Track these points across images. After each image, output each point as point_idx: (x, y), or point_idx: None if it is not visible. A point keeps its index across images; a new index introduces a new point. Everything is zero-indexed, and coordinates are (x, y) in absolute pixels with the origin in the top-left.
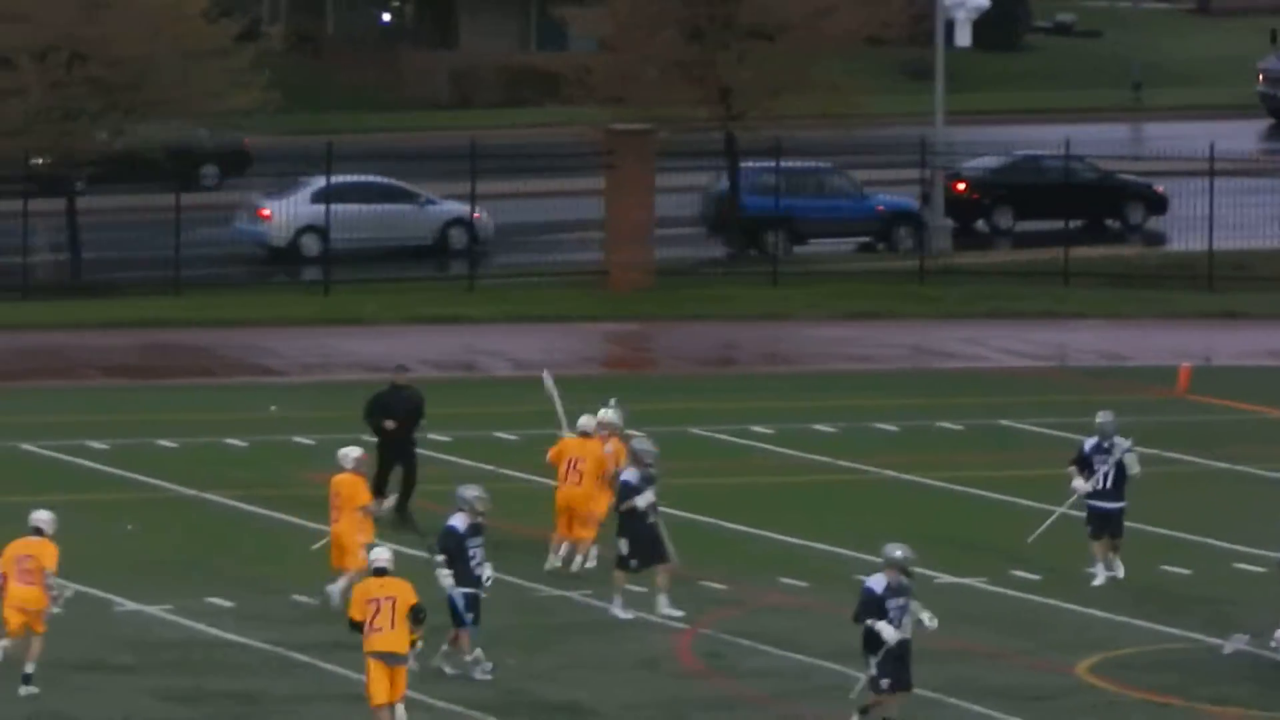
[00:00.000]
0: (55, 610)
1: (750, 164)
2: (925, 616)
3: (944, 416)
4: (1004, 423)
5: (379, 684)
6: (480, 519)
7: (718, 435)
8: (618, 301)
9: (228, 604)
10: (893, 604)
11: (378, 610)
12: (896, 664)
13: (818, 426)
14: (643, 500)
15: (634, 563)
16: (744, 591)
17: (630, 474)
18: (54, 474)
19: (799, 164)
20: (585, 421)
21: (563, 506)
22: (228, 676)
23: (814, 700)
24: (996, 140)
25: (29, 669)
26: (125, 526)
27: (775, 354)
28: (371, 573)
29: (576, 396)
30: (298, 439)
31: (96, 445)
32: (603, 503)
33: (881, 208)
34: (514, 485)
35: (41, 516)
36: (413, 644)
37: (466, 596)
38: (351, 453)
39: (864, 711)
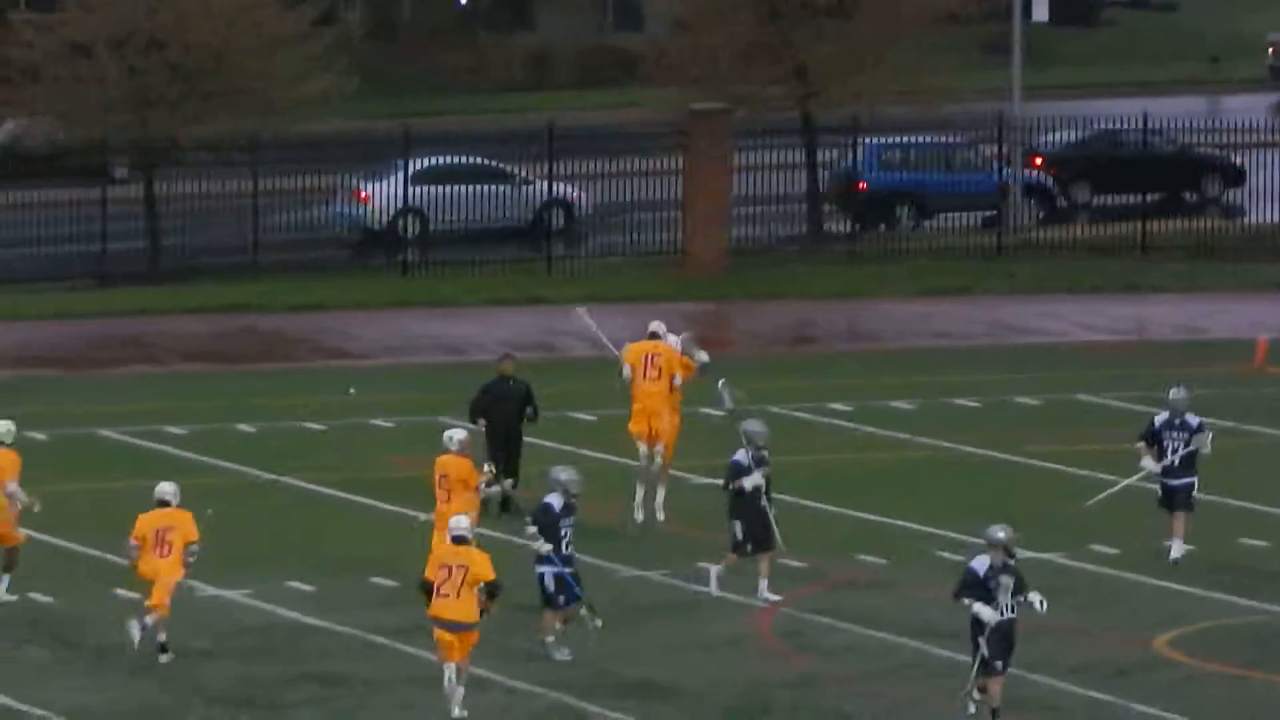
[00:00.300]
0: (189, 571)
1: (876, 140)
2: (1036, 599)
3: (1022, 392)
4: (1082, 397)
5: (445, 647)
6: (574, 501)
7: (796, 414)
8: (695, 282)
9: (308, 588)
10: (994, 584)
11: (448, 576)
12: (1004, 643)
13: (896, 403)
14: (749, 482)
15: (749, 546)
16: (825, 569)
17: (741, 455)
18: (132, 460)
19: (927, 138)
20: (657, 325)
21: (641, 409)
22: (309, 661)
23: (896, 679)
24: (1074, 115)
25: (147, 633)
26: (205, 512)
27: (853, 332)
28: (450, 540)
29: None
30: (376, 422)
31: (175, 430)
32: (675, 411)
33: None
34: (591, 465)
35: (166, 488)
36: (484, 612)
37: (557, 577)
38: (456, 434)
39: (982, 691)
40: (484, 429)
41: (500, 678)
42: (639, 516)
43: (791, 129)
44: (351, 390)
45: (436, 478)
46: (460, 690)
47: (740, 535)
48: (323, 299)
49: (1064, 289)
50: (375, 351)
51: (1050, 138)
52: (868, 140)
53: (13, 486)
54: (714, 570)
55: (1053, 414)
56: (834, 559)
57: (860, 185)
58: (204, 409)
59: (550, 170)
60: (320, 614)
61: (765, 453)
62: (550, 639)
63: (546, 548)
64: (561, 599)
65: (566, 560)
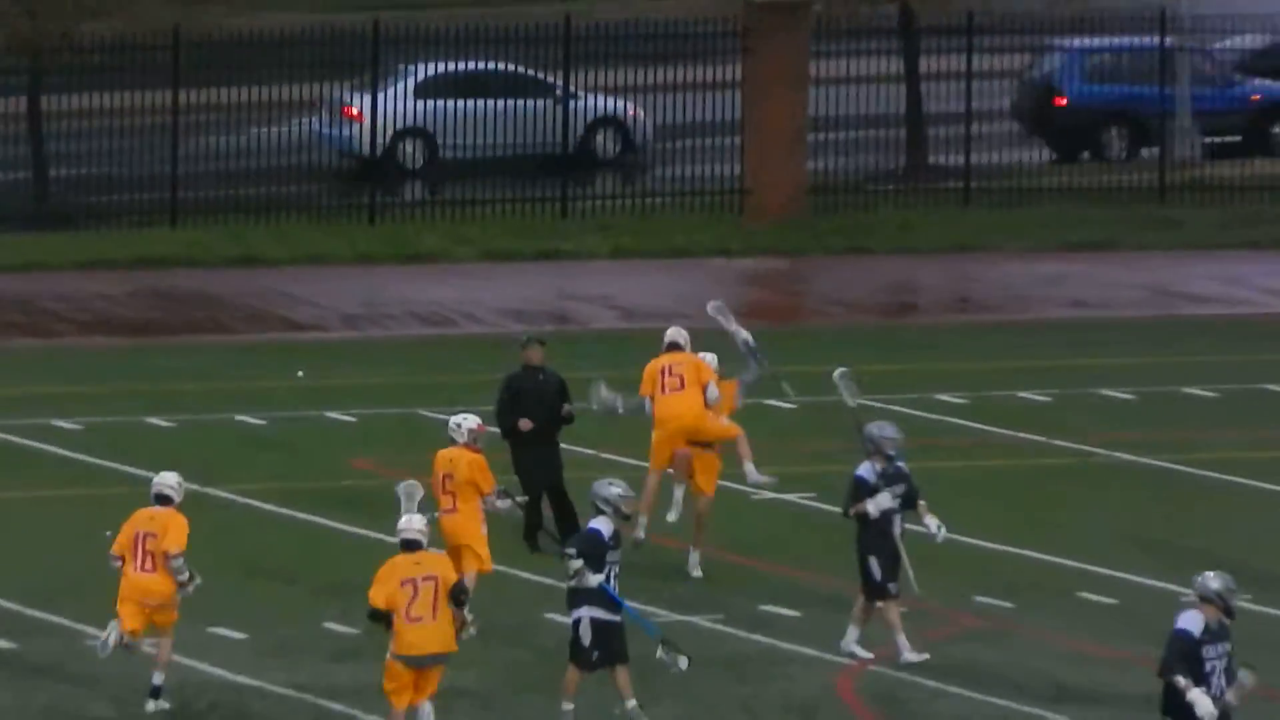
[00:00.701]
0: (187, 594)
1: (1075, 42)
2: (1246, 678)
3: (1193, 379)
4: (1273, 388)
5: (405, 688)
6: (625, 525)
7: (893, 406)
8: (759, 230)
9: (239, 635)
10: (1211, 653)
11: (414, 594)
12: None
13: (1024, 394)
14: (874, 506)
15: (893, 587)
16: (930, 614)
17: (865, 469)
18: (10, 464)
19: (1143, 41)
20: (674, 333)
21: (664, 436)
22: None
23: None
24: (1259, 13)
25: (158, 679)
26: (104, 534)
27: (968, 299)
28: (401, 546)
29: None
30: (333, 415)
31: (68, 426)
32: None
33: (1257, 96)
34: (620, 475)
35: (167, 480)
36: (459, 632)
37: (600, 626)
38: (466, 422)
39: None
40: (514, 435)
41: None
42: (671, 516)
43: (885, 29)
44: (300, 373)
45: (439, 477)
46: None
47: (879, 574)
48: (264, 252)
49: (1247, 243)
50: (334, 322)
51: (1229, 43)
52: (1064, 43)
53: None
54: (850, 634)
55: (1234, 409)
56: (941, 599)
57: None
58: (107, 397)
59: (565, 81)
60: (256, 671)
61: (901, 464)
62: (569, 706)
63: (595, 580)
64: (596, 654)
65: (614, 605)
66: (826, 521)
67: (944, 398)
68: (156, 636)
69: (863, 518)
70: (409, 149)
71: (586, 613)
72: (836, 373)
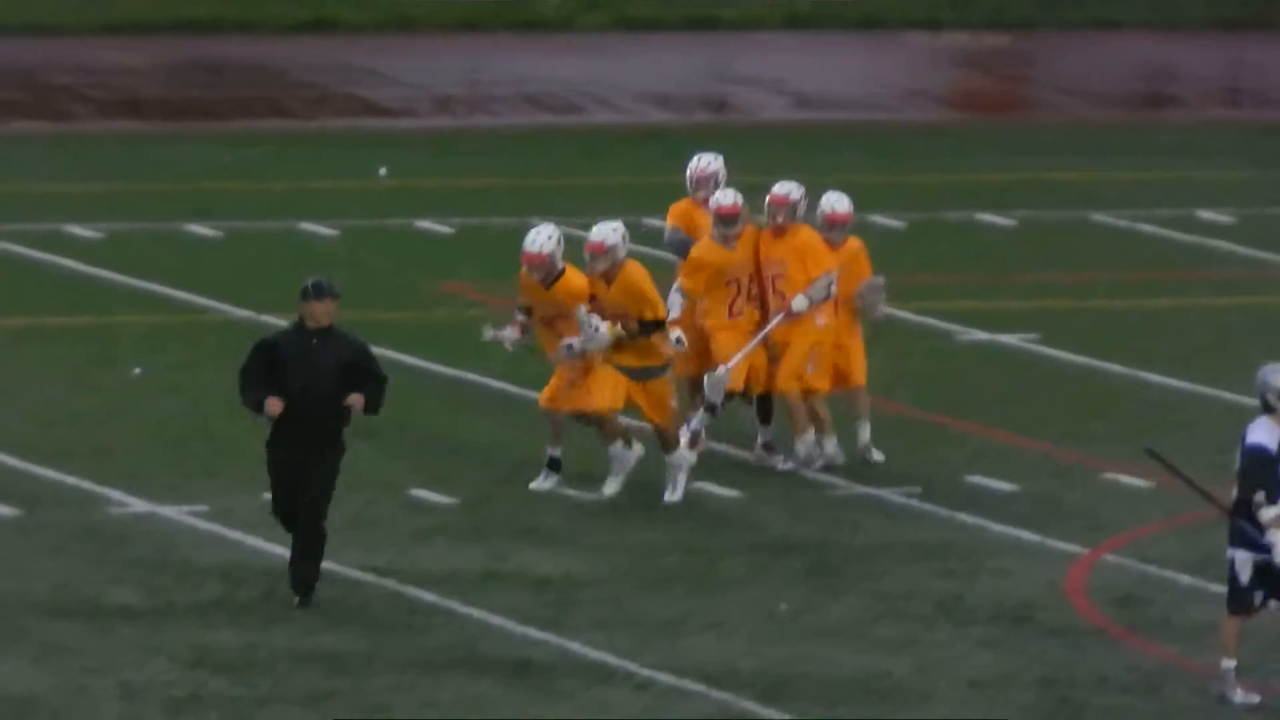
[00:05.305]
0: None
1: None
2: None
3: None
4: None
5: None
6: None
7: (1140, 226)
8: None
9: None
10: None
11: None
12: None
13: None
14: None
15: None
16: (1179, 491)
17: None
18: (11, 281)
19: None
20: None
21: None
22: (300, 629)
23: None
24: None
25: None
26: (131, 372)
27: (1242, 89)
28: None
29: (890, 163)
30: (423, 225)
31: (85, 233)
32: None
33: None
34: None
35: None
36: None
37: (1259, 568)
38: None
39: None
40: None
41: None
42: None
43: None
44: (382, 171)
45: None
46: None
47: None
48: (337, 13)
49: None
50: (425, 105)
51: None
52: None
53: None
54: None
55: None
56: (1195, 473)
57: None
58: (133, 196)
59: None
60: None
61: None
62: (1228, 664)
63: (1266, 499)
64: (1259, 595)
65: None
66: (1052, 371)
67: (1207, 215)
68: None
69: None
70: None
71: (1242, 553)
72: None
